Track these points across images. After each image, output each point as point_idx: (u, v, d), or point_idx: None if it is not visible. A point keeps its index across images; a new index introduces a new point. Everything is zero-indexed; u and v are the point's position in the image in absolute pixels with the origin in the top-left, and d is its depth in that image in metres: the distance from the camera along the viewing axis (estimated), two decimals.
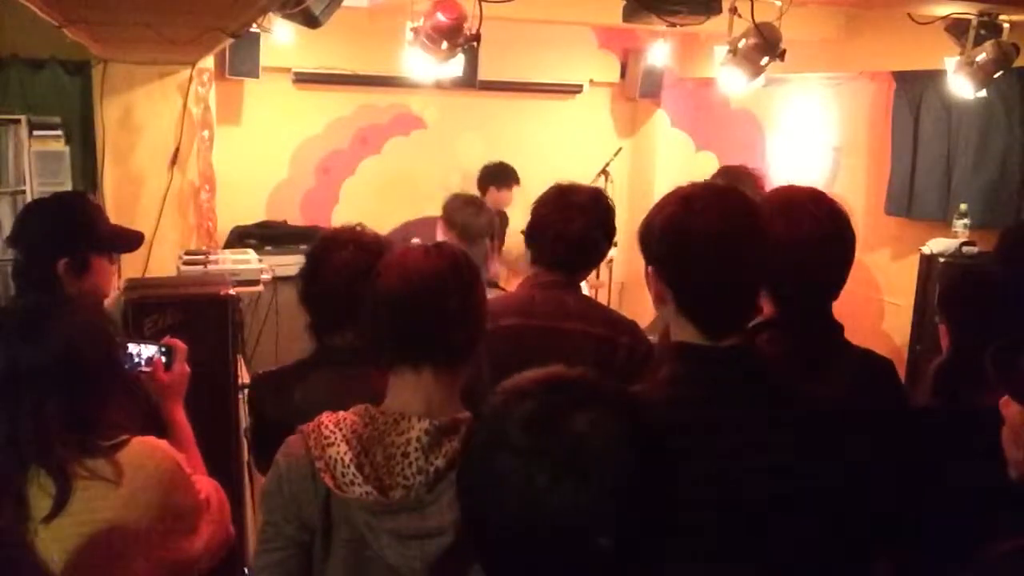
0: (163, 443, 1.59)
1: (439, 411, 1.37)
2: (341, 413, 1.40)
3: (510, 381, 0.94)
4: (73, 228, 2.18)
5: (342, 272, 1.83)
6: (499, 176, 5.49)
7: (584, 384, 0.91)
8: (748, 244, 1.35)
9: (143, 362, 1.91)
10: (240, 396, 2.90)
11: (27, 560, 1.37)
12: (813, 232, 1.65)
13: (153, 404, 1.96)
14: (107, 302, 2.54)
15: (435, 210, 5.94)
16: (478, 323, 1.44)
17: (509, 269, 5.35)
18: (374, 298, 1.43)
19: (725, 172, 3.91)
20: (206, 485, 1.70)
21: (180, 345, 1.96)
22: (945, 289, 2.35)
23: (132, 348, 1.91)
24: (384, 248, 1.90)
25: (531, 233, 2.24)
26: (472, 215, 4.23)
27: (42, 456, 1.42)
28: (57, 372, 1.47)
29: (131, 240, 2.41)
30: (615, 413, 0.88)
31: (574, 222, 2.16)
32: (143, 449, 1.53)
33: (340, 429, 1.36)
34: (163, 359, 1.93)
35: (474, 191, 5.60)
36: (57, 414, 1.45)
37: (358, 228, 1.99)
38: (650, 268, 1.40)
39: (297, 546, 1.40)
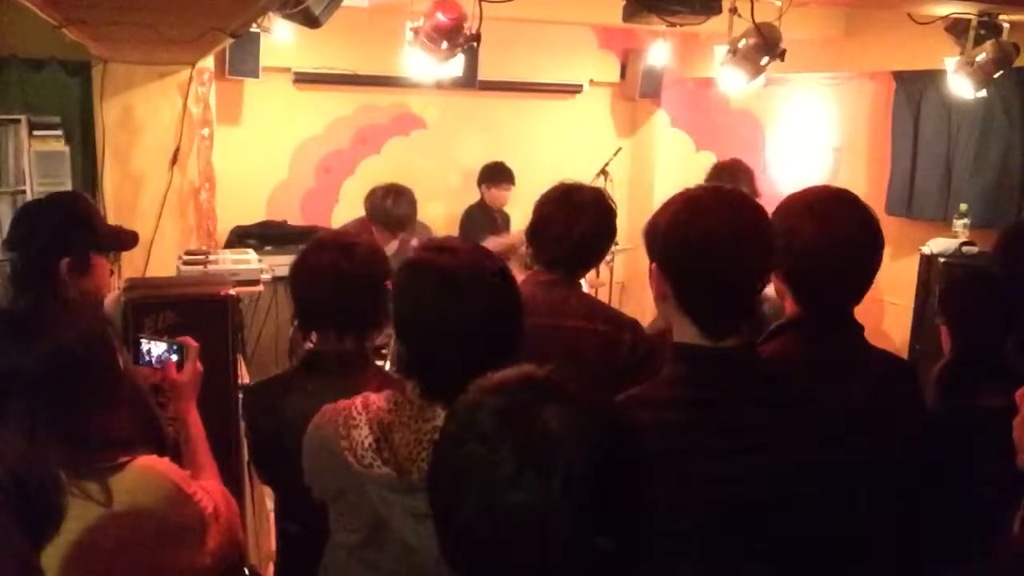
0: (163, 464, 1.54)
1: None
2: (373, 396, 1.46)
3: (483, 378, 0.94)
4: (75, 227, 2.17)
5: (320, 274, 1.86)
6: (491, 175, 5.56)
7: (555, 382, 0.92)
8: (749, 246, 1.36)
9: (153, 360, 1.89)
10: (240, 396, 2.90)
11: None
12: (846, 234, 1.65)
13: (156, 412, 1.95)
14: (106, 301, 2.55)
15: (435, 210, 5.99)
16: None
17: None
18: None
19: (720, 168, 3.92)
20: (215, 494, 1.65)
21: (193, 343, 1.93)
22: (946, 291, 2.35)
23: (144, 344, 1.89)
24: (374, 258, 1.91)
25: (533, 232, 2.24)
26: (391, 204, 4.23)
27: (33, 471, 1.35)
28: (50, 380, 1.42)
29: (127, 239, 2.44)
30: (585, 412, 0.88)
31: (578, 223, 2.17)
32: (141, 475, 1.48)
33: (367, 411, 1.42)
34: (175, 358, 1.90)
35: (474, 191, 5.65)
36: (49, 426, 1.40)
37: (351, 232, 2.01)
38: (653, 265, 1.41)
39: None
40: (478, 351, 1.37)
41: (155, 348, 1.90)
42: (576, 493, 0.83)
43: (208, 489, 1.64)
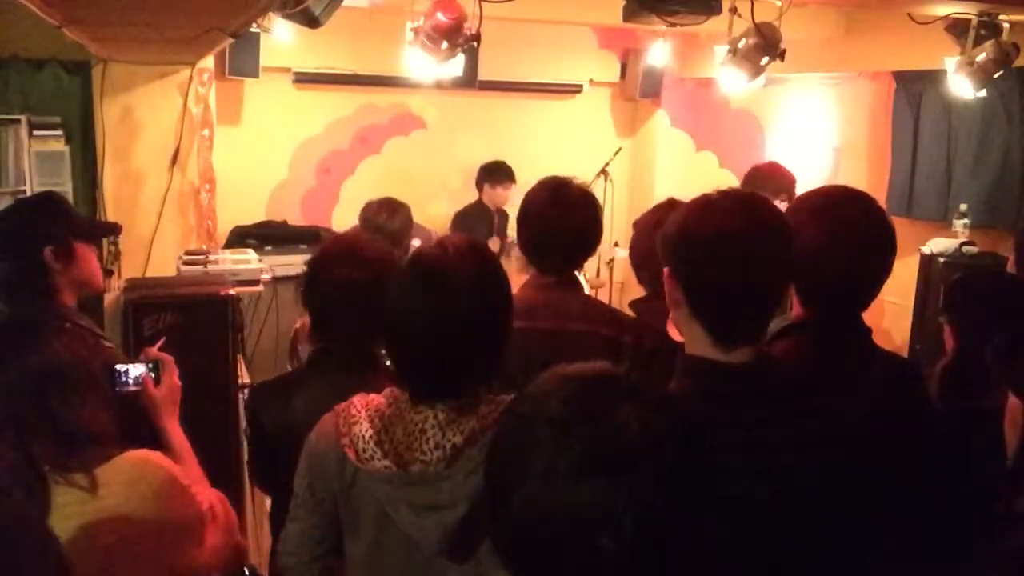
0: (156, 456, 1.56)
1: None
2: (372, 395, 1.46)
3: (559, 367, 0.92)
4: (49, 216, 2.18)
5: (339, 287, 1.86)
6: (493, 173, 5.56)
7: (633, 380, 0.90)
8: (762, 250, 1.32)
9: (131, 382, 1.89)
10: (240, 396, 2.90)
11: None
12: (857, 236, 1.62)
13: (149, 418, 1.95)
14: (106, 301, 2.55)
15: (436, 211, 5.99)
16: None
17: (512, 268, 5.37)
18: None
19: (754, 172, 3.86)
20: (209, 496, 1.67)
21: (167, 358, 1.94)
22: (950, 291, 2.34)
23: (120, 368, 1.89)
24: (383, 263, 1.91)
25: (527, 236, 2.22)
26: (386, 219, 4.24)
27: (21, 463, 1.41)
28: (33, 387, 1.46)
29: (109, 228, 2.50)
30: (662, 413, 0.86)
31: (572, 223, 2.16)
32: (133, 464, 1.50)
33: (366, 408, 1.43)
34: (151, 375, 1.91)
35: (474, 190, 5.64)
36: (35, 422, 1.45)
37: (361, 238, 2.02)
38: (666, 269, 1.39)
39: (320, 517, 1.49)
40: (457, 353, 1.36)
41: (132, 370, 1.89)
42: (643, 494, 0.80)
43: (203, 492, 1.65)
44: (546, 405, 0.87)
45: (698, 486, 0.86)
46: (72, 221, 2.23)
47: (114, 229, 2.47)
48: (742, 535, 1.25)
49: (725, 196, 1.38)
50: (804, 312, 1.69)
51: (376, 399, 1.45)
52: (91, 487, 1.43)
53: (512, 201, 5.55)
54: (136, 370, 1.89)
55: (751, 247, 1.31)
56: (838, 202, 1.69)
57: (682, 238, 1.36)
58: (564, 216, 2.16)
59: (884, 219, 1.67)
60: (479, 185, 5.61)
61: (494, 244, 5.36)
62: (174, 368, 1.94)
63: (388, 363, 1.85)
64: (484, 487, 0.94)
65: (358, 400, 1.46)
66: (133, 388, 1.88)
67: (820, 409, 1.40)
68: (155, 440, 1.80)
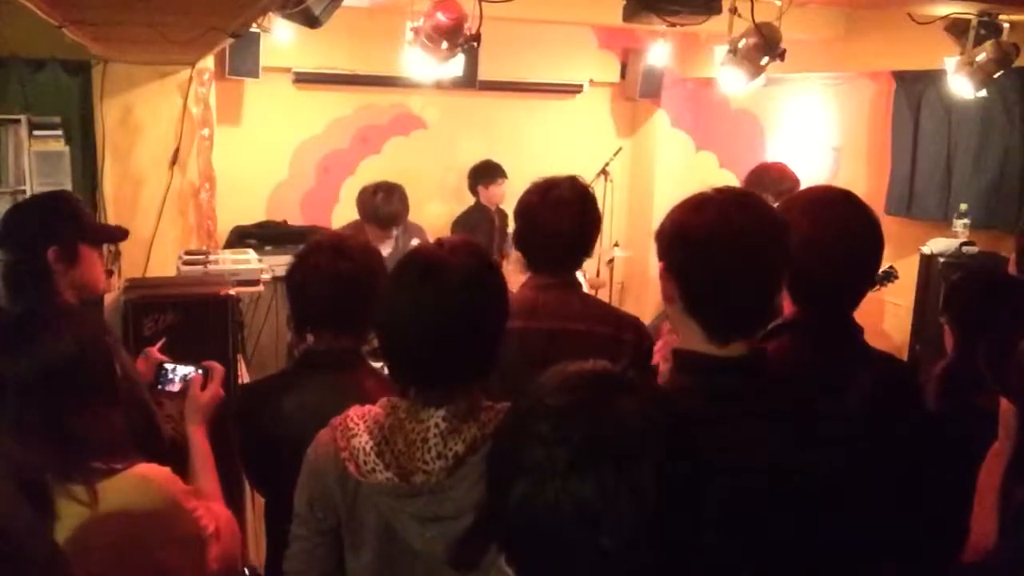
0: (162, 473, 1.53)
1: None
2: (368, 406, 1.45)
3: (557, 366, 0.93)
4: (59, 216, 2.18)
5: (316, 275, 1.86)
6: (484, 173, 5.56)
7: (630, 378, 0.91)
8: (757, 248, 1.33)
9: (177, 379, 1.89)
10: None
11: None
12: (844, 233, 1.63)
13: (153, 411, 1.95)
14: (106, 301, 2.55)
15: (435, 210, 5.99)
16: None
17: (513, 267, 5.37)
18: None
19: (761, 170, 3.87)
20: (217, 514, 1.64)
21: (219, 368, 1.95)
22: (949, 292, 2.35)
23: (167, 366, 1.90)
24: (368, 256, 1.92)
25: (522, 237, 2.22)
26: (382, 201, 4.24)
27: (22, 470, 1.39)
28: (40, 385, 1.44)
29: (116, 233, 2.49)
30: (659, 407, 0.87)
31: (564, 221, 2.15)
32: (136, 483, 1.47)
33: (364, 420, 1.41)
34: (203, 376, 1.92)
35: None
36: (39, 427, 1.42)
37: (346, 233, 2.03)
38: (661, 264, 1.40)
39: (321, 535, 1.47)
40: (455, 346, 1.36)
41: (180, 369, 1.92)
42: (644, 488, 0.81)
43: (213, 510, 1.63)
44: (545, 399, 0.88)
45: (697, 481, 0.87)
46: (81, 223, 2.23)
47: (121, 235, 2.46)
48: (740, 531, 1.25)
49: (720, 192, 1.39)
50: (795, 311, 1.70)
51: (373, 410, 1.44)
52: (91, 502, 1.40)
53: (509, 198, 5.54)
54: (184, 369, 1.90)
55: (744, 243, 1.32)
56: (825, 200, 1.70)
57: (676, 234, 1.37)
58: (555, 216, 2.15)
59: (871, 216, 1.69)
60: (473, 188, 5.60)
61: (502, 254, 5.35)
62: (221, 379, 1.95)
63: (379, 365, 1.85)
64: (486, 487, 0.95)
65: (354, 412, 1.44)
66: (178, 387, 1.89)
67: (816, 405, 1.41)
68: (158, 451, 1.78)
